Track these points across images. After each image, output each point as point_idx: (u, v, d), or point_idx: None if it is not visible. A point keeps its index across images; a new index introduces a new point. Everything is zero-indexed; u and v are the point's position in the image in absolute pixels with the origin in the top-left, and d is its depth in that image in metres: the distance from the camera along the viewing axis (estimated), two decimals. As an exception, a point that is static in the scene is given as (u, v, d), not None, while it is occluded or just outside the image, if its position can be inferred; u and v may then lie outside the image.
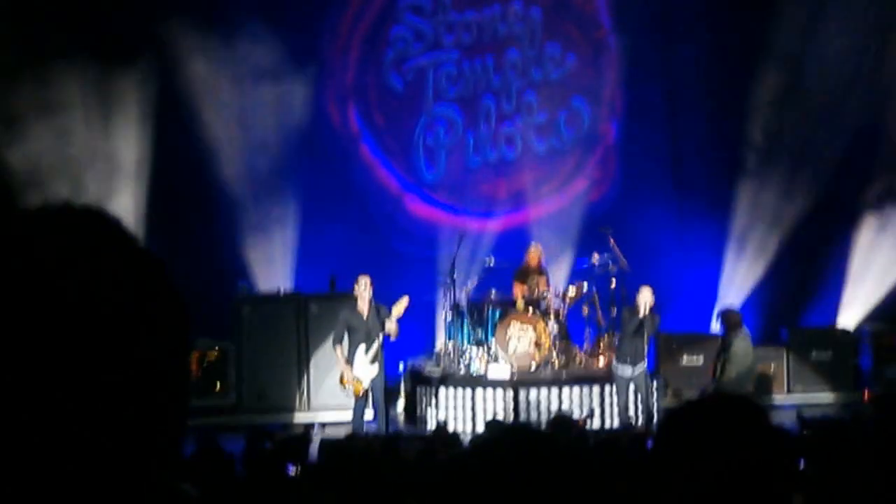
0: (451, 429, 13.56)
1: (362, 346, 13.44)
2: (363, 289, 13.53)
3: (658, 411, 14.37)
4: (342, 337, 13.57)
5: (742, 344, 14.21)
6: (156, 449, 1.24)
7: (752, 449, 2.06)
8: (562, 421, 10.28)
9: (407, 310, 13.55)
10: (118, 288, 1.22)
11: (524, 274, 16.00)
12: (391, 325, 13.35)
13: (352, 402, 13.65)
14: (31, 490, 1.17)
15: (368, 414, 13.83)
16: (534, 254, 16.14)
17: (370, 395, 13.58)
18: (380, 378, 13.57)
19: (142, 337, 1.22)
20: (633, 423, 14.15)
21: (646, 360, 14.00)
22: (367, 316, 13.47)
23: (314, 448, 10.16)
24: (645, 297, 13.86)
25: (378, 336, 13.40)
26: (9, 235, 1.23)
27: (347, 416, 13.85)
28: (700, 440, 2.08)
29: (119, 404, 1.20)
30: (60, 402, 1.18)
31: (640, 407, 14.30)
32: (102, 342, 1.20)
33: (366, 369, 13.44)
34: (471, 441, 10.12)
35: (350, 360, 13.48)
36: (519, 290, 15.74)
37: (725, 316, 14.78)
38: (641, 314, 13.83)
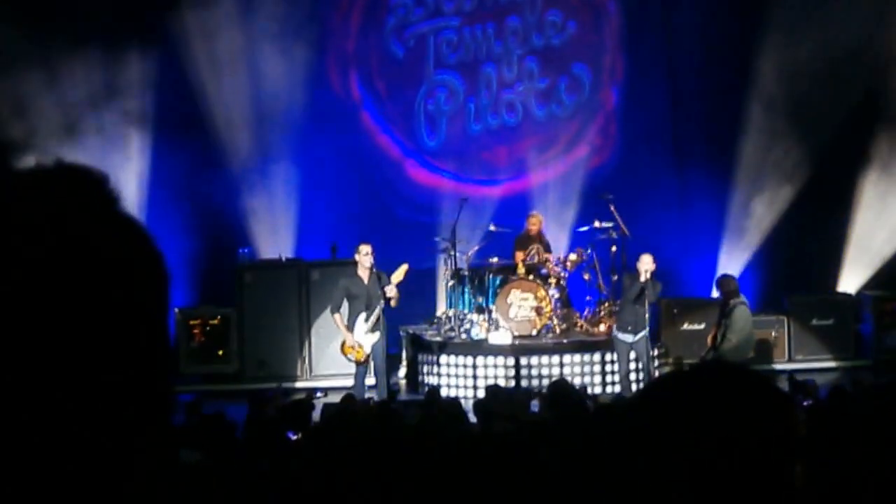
0: (452, 395, 13.56)
1: (363, 314, 13.48)
2: (364, 256, 13.56)
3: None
4: (340, 304, 13.61)
5: (741, 311, 14.23)
6: (140, 416, 1.23)
7: (752, 419, 2.02)
8: (561, 387, 10.29)
9: (407, 276, 13.59)
10: (89, 253, 1.20)
11: (524, 241, 16.02)
12: (392, 292, 13.39)
13: (353, 368, 13.70)
14: (12, 457, 1.17)
15: (370, 380, 13.89)
16: (534, 222, 16.14)
17: (371, 361, 13.64)
18: (381, 345, 13.61)
19: (117, 303, 1.21)
20: (634, 389, 14.17)
21: (647, 326, 13.99)
22: (368, 283, 13.50)
23: (316, 413, 10.20)
24: (646, 264, 13.86)
25: (379, 303, 13.43)
26: None
27: (349, 382, 13.90)
28: (695, 409, 2.04)
29: (97, 372, 1.19)
30: (36, 373, 1.17)
31: (640, 373, 14.32)
32: (73, 309, 1.18)
33: (366, 336, 13.50)
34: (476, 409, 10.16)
35: (350, 327, 13.53)
36: (519, 258, 15.76)
37: (722, 282, 14.81)
38: (642, 280, 13.84)
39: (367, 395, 13.31)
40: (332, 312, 13.76)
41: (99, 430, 1.19)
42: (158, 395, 1.26)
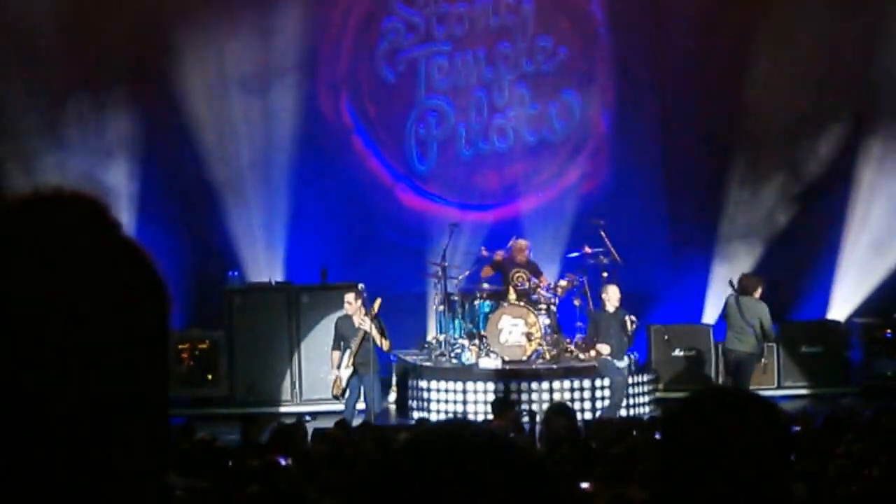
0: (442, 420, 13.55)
1: (348, 351, 13.64)
2: (346, 304, 13.76)
3: (646, 403, 14.50)
4: (337, 343, 13.81)
5: (763, 305, 14.21)
6: (135, 440, 1.23)
7: (759, 442, 2.12)
8: (562, 410, 10.33)
9: (384, 305, 13.69)
10: (94, 276, 1.21)
11: (508, 265, 15.89)
12: (368, 328, 13.47)
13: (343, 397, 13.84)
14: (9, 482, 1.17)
15: (360, 405, 13.93)
16: (517, 250, 16.02)
17: (362, 390, 13.70)
18: (372, 375, 13.68)
19: (118, 326, 1.21)
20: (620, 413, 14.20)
21: (625, 356, 14.20)
22: (359, 325, 13.60)
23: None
24: (609, 295, 14.09)
25: (356, 340, 13.52)
26: None
27: (339, 406, 13.89)
28: (707, 434, 2.14)
29: (94, 394, 1.19)
30: (32, 393, 1.17)
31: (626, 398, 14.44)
32: (76, 331, 1.18)
33: (344, 370, 13.67)
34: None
35: (339, 363, 13.70)
36: (487, 273, 15.76)
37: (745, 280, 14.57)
38: (611, 311, 14.08)
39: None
40: (332, 350, 13.92)
41: (93, 449, 1.19)
42: (155, 417, 1.25)
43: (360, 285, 13.84)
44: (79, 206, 1.26)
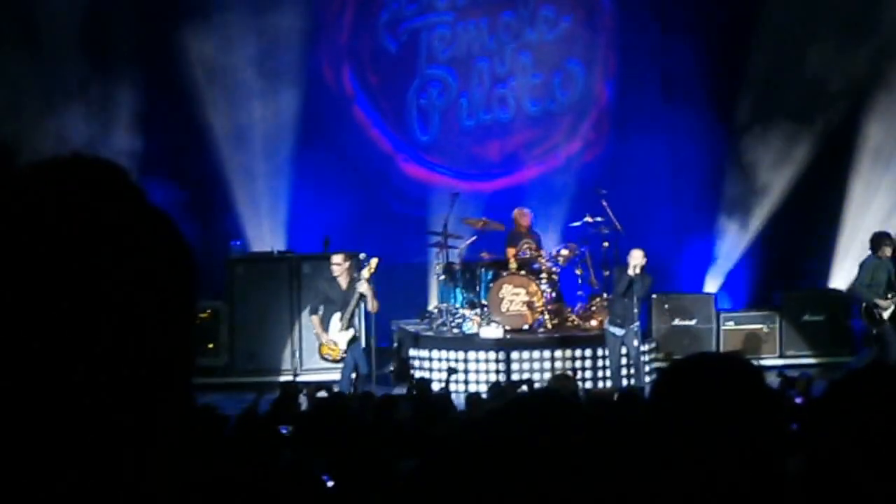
0: (441, 389, 13.57)
1: (337, 314, 13.53)
2: (335, 266, 13.65)
3: (649, 372, 14.45)
4: (318, 307, 13.69)
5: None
6: (164, 407, 1.23)
7: (746, 410, 2.10)
8: (564, 379, 10.38)
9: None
10: (120, 240, 1.20)
11: (515, 237, 16.01)
12: (363, 287, 13.42)
13: (341, 361, 13.75)
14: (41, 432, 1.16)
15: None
16: (520, 218, 16.07)
17: (355, 358, 13.64)
18: (359, 344, 13.70)
19: (144, 290, 1.20)
20: (624, 382, 14.17)
21: (636, 320, 13.95)
22: (346, 289, 13.54)
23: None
24: (635, 259, 13.83)
25: (355, 304, 13.48)
26: (10, 187, 1.22)
27: (338, 376, 13.90)
28: (694, 400, 2.12)
29: (121, 360, 1.18)
30: (62, 355, 1.16)
31: (630, 367, 14.31)
32: (102, 294, 1.17)
33: (340, 334, 13.54)
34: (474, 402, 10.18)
35: (326, 327, 13.56)
36: (511, 254, 15.77)
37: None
38: (631, 274, 13.79)
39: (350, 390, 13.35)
40: (311, 314, 13.85)
41: (114, 417, 1.19)
42: (181, 385, 1.26)
43: (362, 255, 13.81)
44: (103, 172, 1.26)
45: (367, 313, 14.21)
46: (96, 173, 1.25)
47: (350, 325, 13.55)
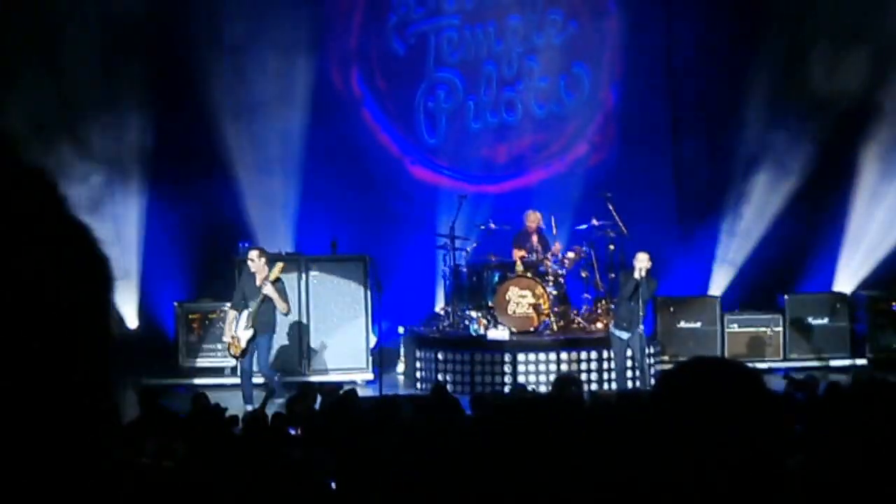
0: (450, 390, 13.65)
1: (246, 311, 13.67)
2: (249, 262, 13.77)
3: (654, 374, 14.50)
4: (237, 302, 13.85)
5: None
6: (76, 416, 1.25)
7: (744, 411, 2.11)
8: (568, 380, 10.44)
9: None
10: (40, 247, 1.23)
11: (523, 238, 16.10)
12: (269, 291, 13.52)
13: (352, 361, 13.78)
14: None
15: (257, 379, 14.08)
16: (532, 219, 16.20)
17: (253, 356, 13.80)
18: (267, 336, 13.81)
19: (56, 296, 1.23)
20: (629, 385, 14.24)
21: (641, 324, 14.03)
22: (259, 284, 13.66)
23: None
24: (641, 262, 13.89)
25: (255, 302, 13.59)
26: None
27: (348, 377, 13.98)
28: (694, 403, 2.14)
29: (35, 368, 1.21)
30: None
31: (636, 370, 14.36)
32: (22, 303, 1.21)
33: (244, 332, 13.68)
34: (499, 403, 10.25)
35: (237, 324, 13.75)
36: (518, 255, 15.84)
37: None
38: (637, 277, 13.85)
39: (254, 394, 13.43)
40: (231, 308, 14.02)
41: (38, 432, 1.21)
42: (99, 392, 1.28)
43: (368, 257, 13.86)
44: (27, 180, 1.28)
45: (374, 313, 14.22)
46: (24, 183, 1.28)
47: (253, 324, 13.62)
